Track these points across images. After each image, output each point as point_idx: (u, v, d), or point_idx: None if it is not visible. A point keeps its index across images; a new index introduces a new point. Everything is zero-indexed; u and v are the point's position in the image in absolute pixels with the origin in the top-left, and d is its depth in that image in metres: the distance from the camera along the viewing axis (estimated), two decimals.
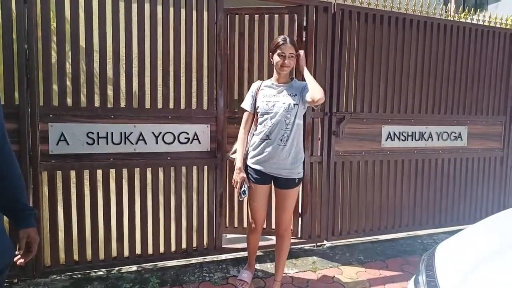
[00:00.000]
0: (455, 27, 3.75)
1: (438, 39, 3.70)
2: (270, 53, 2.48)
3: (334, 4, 3.28)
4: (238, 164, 2.50)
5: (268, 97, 2.45)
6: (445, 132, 3.84)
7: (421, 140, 3.75)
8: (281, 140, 2.38)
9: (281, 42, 2.38)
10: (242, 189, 2.46)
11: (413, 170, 3.75)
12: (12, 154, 1.30)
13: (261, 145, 2.42)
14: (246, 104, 2.55)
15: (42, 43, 2.49)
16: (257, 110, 2.48)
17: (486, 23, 4.02)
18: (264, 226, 3.20)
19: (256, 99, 2.50)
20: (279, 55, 2.39)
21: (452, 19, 3.98)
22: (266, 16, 3.13)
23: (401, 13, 3.55)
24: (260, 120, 2.46)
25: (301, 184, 2.53)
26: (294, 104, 2.39)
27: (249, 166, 2.51)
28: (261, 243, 3.11)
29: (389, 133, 3.60)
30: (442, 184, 3.89)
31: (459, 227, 3.92)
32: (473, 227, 1.90)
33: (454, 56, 3.80)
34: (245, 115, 2.55)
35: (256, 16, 3.12)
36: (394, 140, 3.63)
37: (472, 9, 4.56)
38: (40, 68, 2.51)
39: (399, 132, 3.65)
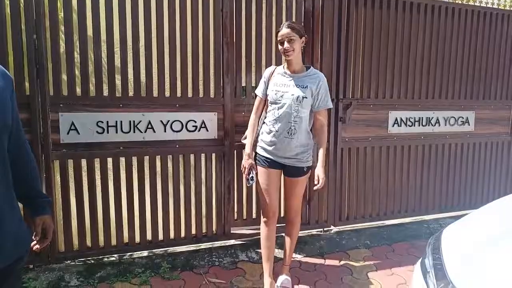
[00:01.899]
0: (463, 10, 3.70)
1: (446, 23, 3.66)
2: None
3: None
4: (247, 150, 2.49)
5: (278, 86, 2.39)
6: (452, 117, 3.83)
7: (428, 125, 3.75)
8: (288, 133, 2.36)
9: (278, 30, 2.35)
10: (250, 175, 2.47)
11: (420, 155, 3.75)
12: (27, 144, 1.34)
13: (269, 135, 2.41)
14: (259, 90, 2.53)
15: (51, 33, 2.51)
16: (267, 98, 2.45)
17: (495, 6, 3.95)
18: None
19: (267, 85, 2.46)
20: (279, 41, 2.34)
21: (460, 2, 3.92)
22: (274, 1, 3.10)
23: None
24: (269, 108, 2.44)
25: (309, 171, 2.51)
26: (303, 97, 2.32)
27: (258, 153, 2.51)
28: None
29: (396, 119, 3.60)
30: (449, 169, 3.90)
31: (465, 211, 3.94)
32: (479, 211, 1.92)
33: (462, 41, 3.76)
34: (257, 100, 2.53)
35: (263, 0, 3.09)
36: (401, 126, 3.63)
37: None
38: (49, 58, 2.53)
39: (406, 118, 3.64)
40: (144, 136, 2.78)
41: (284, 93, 2.35)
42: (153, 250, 3.03)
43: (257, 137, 2.52)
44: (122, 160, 2.78)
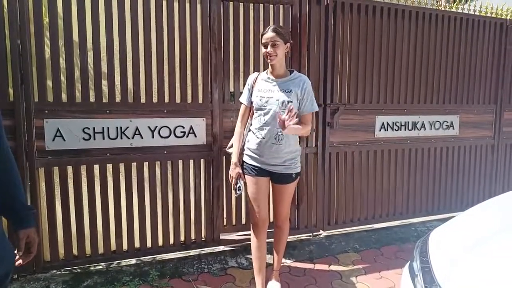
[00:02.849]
0: (446, 17, 3.79)
1: (430, 29, 3.74)
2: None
3: None
4: (234, 159, 2.44)
5: (262, 91, 2.36)
6: (437, 121, 3.90)
7: (414, 129, 3.81)
8: (275, 139, 2.31)
9: (262, 33, 2.30)
10: (238, 185, 2.42)
11: (406, 159, 3.81)
12: (10, 151, 1.29)
13: (255, 142, 2.36)
14: (243, 97, 2.48)
15: (35, 38, 2.47)
16: (252, 105, 2.41)
17: (477, 13, 4.06)
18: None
19: (252, 92, 2.42)
20: (263, 44, 2.29)
21: (443, 9, 4.00)
22: (261, 6, 3.11)
23: (392, 3, 3.57)
24: (255, 115, 2.39)
25: (298, 178, 2.48)
26: (288, 102, 2.27)
27: (245, 162, 2.45)
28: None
29: (383, 123, 3.65)
30: (435, 172, 3.96)
31: (451, 214, 4.00)
32: (465, 213, 1.95)
33: (446, 46, 3.84)
34: (242, 108, 2.48)
35: (251, 5, 3.10)
36: (387, 130, 3.68)
37: None
38: (34, 64, 2.49)
39: (392, 122, 3.69)
40: (131, 142, 2.76)
41: (269, 98, 2.31)
42: (141, 258, 2.99)
43: (243, 145, 2.48)
44: (109, 166, 2.74)
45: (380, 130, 3.65)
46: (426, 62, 3.77)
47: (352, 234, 3.66)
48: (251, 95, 2.41)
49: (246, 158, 2.45)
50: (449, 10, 3.99)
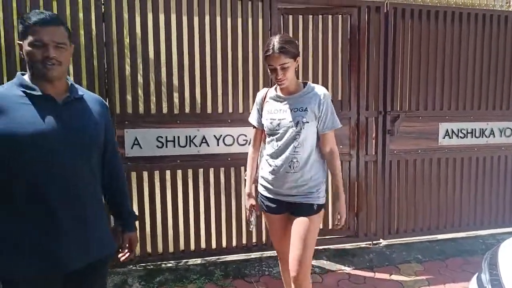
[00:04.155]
0: None
1: (499, 31, 3.56)
2: None
3: (386, 3, 3.29)
4: (246, 189, 2.19)
5: (272, 113, 2.00)
6: (507, 128, 3.68)
7: (482, 137, 3.63)
8: (290, 166, 1.95)
9: (266, 53, 1.88)
10: (251, 219, 2.17)
11: (473, 168, 3.64)
12: (120, 162, 1.57)
13: (268, 171, 2.03)
14: (252, 118, 2.16)
15: (118, 57, 2.79)
16: (264, 127, 2.08)
17: None
18: None
19: (261, 113, 2.09)
20: (269, 68, 1.92)
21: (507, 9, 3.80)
22: (320, 16, 3.20)
23: (456, 7, 3.48)
24: (267, 139, 2.07)
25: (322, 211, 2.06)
26: (304, 122, 1.91)
27: (260, 192, 2.14)
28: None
29: (447, 131, 3.53)
30: (505, 182, 3.74)
31: None
32: None
33: None
34: (253, 131, 2.18)
35: (310, 17, 3.20)
36: (452, 138, 3.55)
37: None
38: (116, 80, 2.81)
39: (458, 129, 3.56)
40: (199, 150, 2.98)
41: (281, 120, 1.95)
42: (206, 258, 3.19)
43: (257, 174, 2.19)
44: (179, 172, 2.98)
45: (444, 138, 3.54)
46: (495, 66, 3.59)
47: (414, 244, 3.57)
48: (261, 116, 2.09)
49: (260, 188, 2.13)
50: None
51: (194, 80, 2.94)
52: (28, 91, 1.29)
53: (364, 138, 3.35)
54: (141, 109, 2.87)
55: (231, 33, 2.98)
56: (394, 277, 3.00)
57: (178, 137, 2.92)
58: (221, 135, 3.01)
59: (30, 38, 1.26)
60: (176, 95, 2.93)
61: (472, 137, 3.61)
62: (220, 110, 3.02)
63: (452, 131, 3.55)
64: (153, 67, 2.86)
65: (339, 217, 2.02)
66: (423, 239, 3.65)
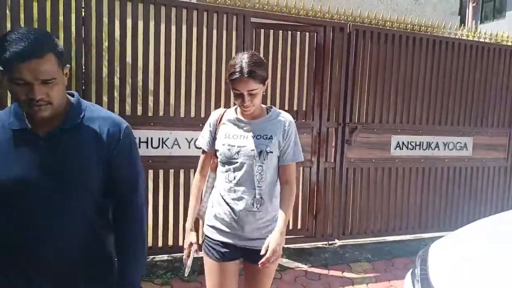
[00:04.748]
0: (462, 45, 4.03)
1: (446, 55, 3.99)
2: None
3: (350, 25, 3.61)
4: (188, 224, 1.81)
5: (230, 138, 1.71)
6: (451, 142, 4.12)
7: (428, 149, 4.04)
8: (252, 204, 1.66)
9: (233, 76, 1.59)
10: (187, 262, 1.76)
11: (420, 177, 4.04)
12: (137, 213, 1.24)
13: (224, 210, 1.70)
14: (202, 141, 1.82)
15: (96, 59, 2.89)
16: (217, 154, 1.76)
17: (493, 40, 4.28)
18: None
19: (215, 136, 1.77)
20: (234, 92, 1.64)
21: (459, 37, 4.25)
22: (289, 33, 3.45)
23: (410, 32, 3.87)
24: (221, 169, 1.73)
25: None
26: (268, 152, 1.67)
27: (207, 236, 1.76)
28: None
29: (398, 142, 3.91)
30: (447, 191, 4.17)
31: None
32: (463, 229, 2.21)
33: (461, 71, 4.07)
34: (202, 156, 1.84)
35: (280, 32, 3.45)
36: (402, 149, 3.93)
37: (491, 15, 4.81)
38: (94, 81, 2.91)
39: (408, 142, 3.95)
40: (170, 151, 3.13)
41: (241, 148, 1.68)
42: (173, 255, 3.35)
43: (204, 208, 1.84)
44: (150, 172, 3.12)
45: (395, 149, 3.91)
46: (442, 86, 4.01)
47: (366, 245, 3.91)
48: (214, 139, 1.77)
49: (208, 231, 1.76)
50: (465, 38, 4.22)
51: (169, 85, 3.10)
52: (12, 123, 1.12)
53: (325, 147, 3.64)
54: (116, 110, 2.99)
55: (206, 43, 3.17)
56: (346, 274, 3.30)
57: (151, 138, 3.07)
58: (192, 138, 3.18)
59: (9, 74, 1.01)
60: (151, 98, 3.07)
61: (420, 149, 4.01)
62: (192, 114, 3.20)
63: (403, 143, 3.93)
64: (130, 71, 2.99)
65: (267, 246, 1.59)
66: (373, 240, 4.00)
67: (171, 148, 3.13)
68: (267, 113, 1.77)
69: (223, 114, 1.79)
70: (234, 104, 1.77)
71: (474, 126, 4.20)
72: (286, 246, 3.66)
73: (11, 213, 1.10)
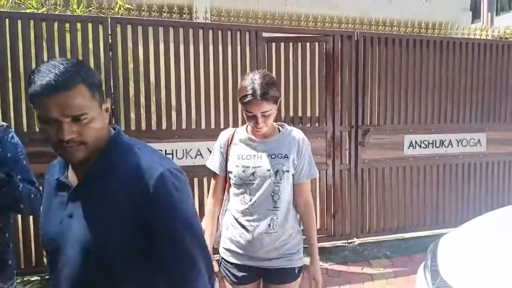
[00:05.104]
0: (470, 44, 4.13)
1: (454, 55, 4.10)
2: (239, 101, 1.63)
3: (357, 32, 3.78)
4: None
5: (244, 159, 1.67)
6: (464, 138, 4.21)
7: (442, 147, 4.15)
8: (269, 225, 1.63)
9: (246, 99, 1.55)
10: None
11: (434, 174, 4.15)
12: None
13: (239, 233, 1.67)
14: (213, 163, 1.77)
15: (123, 80, 3.17)
16: (230, 175, 1.71)
17: (507, 34, 4.35)
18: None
19: (226, 157, 1.72)
20: (247, 114, 1.61)
21: (467, 35, 4.35)
22: (299, 44, 3.66)
23: (417, 35, 4.01)
24: (235, 191, 1.70)
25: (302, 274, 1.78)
26: (284, 171, 1.64)
27: (224, 259, 1.75)
28: None
29: (411, 142, 4.03)
30: (463, 186, 4.26)
31: None
32: (471, 222, 2.35)
33: (471, 69, 4.17)
34: (214, 179, 1.78)
35: (290, 44, 3.66)
36: (415, 148, 4.06)
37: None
38: (121, 100, 3.19)
39: (420, 141, 4.07)
40: (193, 161, 3.38)
41: (256, 168, 1.64)
42: None
43: (219, 232, 1.80)
44: None
45: (408, 148, 4.04)
46: (452, 85, 4.12)
47: (384, 242, 4.04)
48: (226, 161, 1.72)
49: (224, 254, 1.75)
50: (472, 37, 4.31)
51: (190, 100, 3.35)
52: (54, 170, 1.05)
53: (339, 149, 3.81)
54: (143, 126, 3.25)
55: (222, 59, 3.41)
56: (366, 270, 3.45)
57: (176, 150, 3.32)
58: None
59: (38, 112, 0.90)
60: (174, 113, 3.33)
61: (433, 147, 4.12)
62: (212, 126, 3.43)
63: (416, 142, 4.05)
64: (154, 89, 3.26)
65: (314, 283, 1.72)
66: (391, 238, 4.13)
67: (194, 158, 3.37)
68: (279, 131, 1.74)
69: (233, 134, 1.75)
70: (244, 122, 1.72)
71: (486, 122, 4.28)
72: (306, 245, 3.83)
73: (49, 268, 1.03)
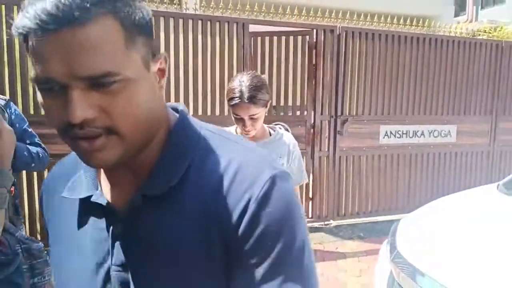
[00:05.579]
0: (445, 41, 4.39)
1: (430, 50, 4.35)
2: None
3: (339, 26, 3.99)
4: None
5: None
6: (435, 130, 4.51)
7: (415, 137, 4.44)
8: None
9: (233, 101, 1.53)
10: None
11: (407, 163, 4.45)
12: None
13: None
14: None
15: None
16: None
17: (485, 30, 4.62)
18: None
19: None
20: (234, 116, 1.58)
21: (448, 33, 4.61)
22: (283, 37, 3.86)
23: (395, 31, 4.23)
24: None
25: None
26: None
27: None
28: None
29: (386, 132, 4.31)
30: (433, 174, 4.58)
31: None
32: (426, 206, 2.64)
33: (444, 64, 4.43)
34: None
35: (275, 37, 3.85)
36: (390, 138, 4.34)
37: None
38: None
39: (395, 131, 4.35)
40: None
41: None
42: None
43: None
44: None
45: (384, 137, 4.31)
46: (426, 79, 4.38)
47: (358, 225, 4.35)
48: None
49: None
50: (448, 34, 4.57)
51: (178, 91, 3.53)
52: (73, 187, 0.60)
53: (319, 137, 4.07)
54: None
55: (210, 51, 3.58)
56: (340, 249, 3.75)
57: None
58: None
59: (32, 70, 0.47)
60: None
61: (406, 137, 4.41)
62: (200, 112, 3.63)
63: (391, 132, 4.33)
64: None
65: None
66: (365, 221, 4.44)
67: None
68: (270, 134, 1.70)
69: None
70: (233, 123, 1.67)
71: (457, 114, 4.57)
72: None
73: None
